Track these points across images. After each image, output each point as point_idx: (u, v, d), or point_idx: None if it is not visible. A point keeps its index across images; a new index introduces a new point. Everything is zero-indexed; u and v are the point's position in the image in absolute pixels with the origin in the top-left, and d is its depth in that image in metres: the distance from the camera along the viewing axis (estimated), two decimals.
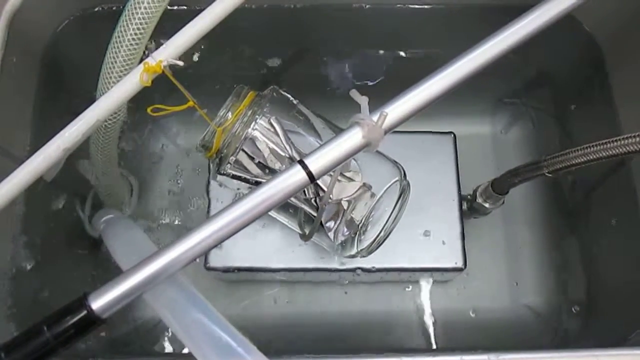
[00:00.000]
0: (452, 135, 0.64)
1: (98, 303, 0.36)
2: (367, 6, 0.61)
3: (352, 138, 0.37)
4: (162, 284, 0.37)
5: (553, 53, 0.65)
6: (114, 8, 0.57)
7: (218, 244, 0.36)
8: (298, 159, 0.37)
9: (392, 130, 0.38)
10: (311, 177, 0.37)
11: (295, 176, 0.36)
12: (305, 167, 0.36)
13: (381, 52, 0.67)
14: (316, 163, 0.37)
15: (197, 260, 0.37)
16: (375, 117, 0.37)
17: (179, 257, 0.36)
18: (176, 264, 0.36)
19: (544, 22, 0.40)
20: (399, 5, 0.61)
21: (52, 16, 0.57)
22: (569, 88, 0.68)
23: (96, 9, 0.58)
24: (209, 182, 0.60)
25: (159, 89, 0.44)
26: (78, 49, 0.58)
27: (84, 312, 0.35)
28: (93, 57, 0.47)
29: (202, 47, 0.62)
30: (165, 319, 0.39)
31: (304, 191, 0.52)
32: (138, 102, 0.45)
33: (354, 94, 0.39)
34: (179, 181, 0.70)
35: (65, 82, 0.59)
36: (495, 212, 0.62)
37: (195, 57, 0.62)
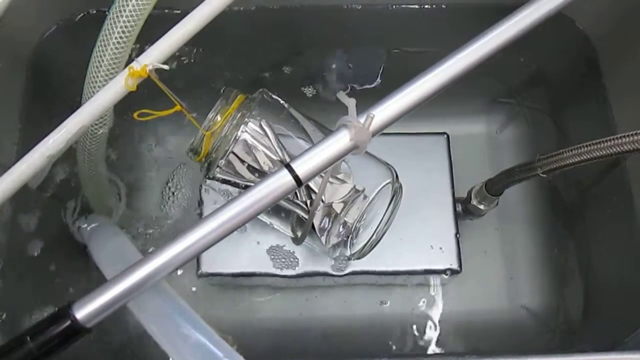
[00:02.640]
0: (446, 136, 0.63)
1: (82, 312, 0.35)
2: (359, 7, 0.60)
3: (340, 141, 0.36)
4: (147, 293, 0.36)
5: (547, 52, 0.64)
6: (101, 13, 0.57)
7: (204, 250, 0.36)
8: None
9: (381, 132, 0.37)
10: (298, 181, 0.36)
11: (281, 180, 0.36)
12: (292, 170, 0.36)
13: (373, 53, 0.67)
14: (303, 167, 0.36)
15: (179, 271, 0.36)
16: (362, 119, 0.36)
17: (163, 265, 0.35)
18: (161, 271, 0.35)
19: (534, 20, 0.40)
20: (390, 7, 0.61)
21: (38, 22, 0.56)
22: (563, 87, 0.68)
23: (83, 15, 0.58)
24: (201, 187, 0.59)
25: None
26: (65, 54, 0.58)
27: (68, 322, 0.35)
28: (80, 63, 0.46)
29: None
30: (149, 329, 0.39)
31: (296, 194, 0.52)
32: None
33: (341, 95, 0.38)
34: (170, 186, 0.69)
35: (52, 88, 0.59)
36: (491, 213, 0.62)
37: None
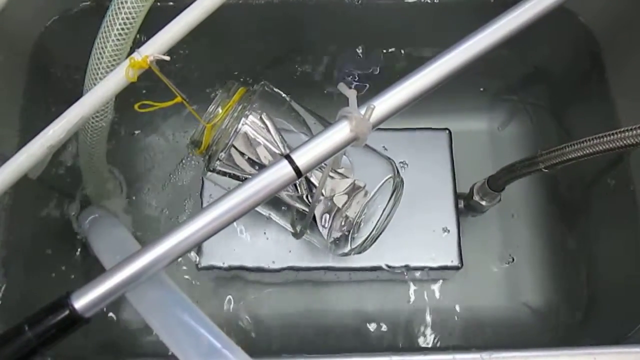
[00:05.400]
0: (448, 132, 0.63)
1: (81, 302, 0.35)
2: (359, 2, 0.60)
3: (340, 132, 0.36)
4: (145, 284, 0.36)
5: (549, 47, 0.64)
6: (102, 5, 0.57)
7: (202, 242, 0.36)
8: None
9: (381, 123, 0.37)
10: (298, 172, 0.36)
11: (281, 171, 0.36)
12: (291, 161, 0.36)
13: (374, 48, 0.67)
14: (303, 158, 0.36)
15: (180, 259, 0.36)
16: (363, 111, 0.36)
17: (162, 256, 0.35)
18: (159, 262, 0.35)
19: (536, 13, 0.39)
20: (392, 1, 0.61)
21: (39, 14, 0.56)
22: (566, 83, 0.67)
23: (84, 5, 0.58)
24: (203, 182, 0.59)
25: None
26: (67, 46, 0.58)
27: (67, 312, 0.35)
28: (82, 54, 0.46)
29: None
30: (148, 320, 0.39)
31: (297, 188, 0.52)
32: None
33: (342, 87, 0.38)
34: (172, 178, 0.69)
35: (53, 80, 0.59)
36: (493, 209, 0.62)
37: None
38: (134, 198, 0.67)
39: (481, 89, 0.72)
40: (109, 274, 0.36)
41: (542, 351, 0.42)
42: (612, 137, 0.42)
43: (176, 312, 0.39)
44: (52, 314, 0.35)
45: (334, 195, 0.51)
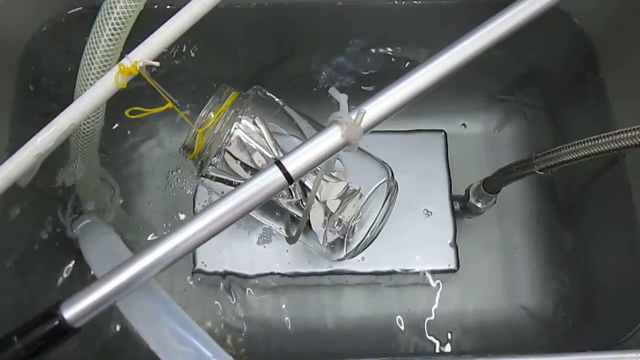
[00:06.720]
0: (443, 134, 0.63)
1: (70, 312, 0.35)
2: (350, 4, 0.60)
3: (331, 137, 0.36)
4: (136, 292, 0.36)
5: (544, 48, 0.64)
6: (93, 10, 0.57)
7: (193, 249, 0.35)
8: None
9: (372, 128, 0.37)
10: (289, 178, 0.35)
11: (272, 177, 0.35)
12: (282, 167, 0.35)
13: (368, 50, 0.66)
14: (294, 164, 0.36)
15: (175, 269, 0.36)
16: (354, 116, 0.36)
17: (153, 264, 0.35)
18: (150, 270, 0.35)
19: (529, 14, 0.39)
20: (387, 2, 0.60)
21: (29, 19, 0.56)
22: (561, 84, 0.67)
23: (75, 11, 0.57)
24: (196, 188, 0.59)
25: None
26: (57, 52, 0.57)
27: (56, 322, 0.34)
28: (73, 60, 0.46)
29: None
30: (139, 329, 0.38)
31: (291, 193, 0.51)
32: None
33: (333, 91, 0.38)
34: (166, 184, 0.68)
35: (44, 87, 0.58)
36: (490, 211, 0.61)
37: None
38: (127, 204, 0.66)
39: (476, 90, 0.72)
40: (99, 283, 0.35)
41: (538, 357, 0.42)
42: (607, 139, 0.41)
43: (167, 322, 0.38)
44: (42, 325, 0.34)
45: (328, 199, 0.50)
